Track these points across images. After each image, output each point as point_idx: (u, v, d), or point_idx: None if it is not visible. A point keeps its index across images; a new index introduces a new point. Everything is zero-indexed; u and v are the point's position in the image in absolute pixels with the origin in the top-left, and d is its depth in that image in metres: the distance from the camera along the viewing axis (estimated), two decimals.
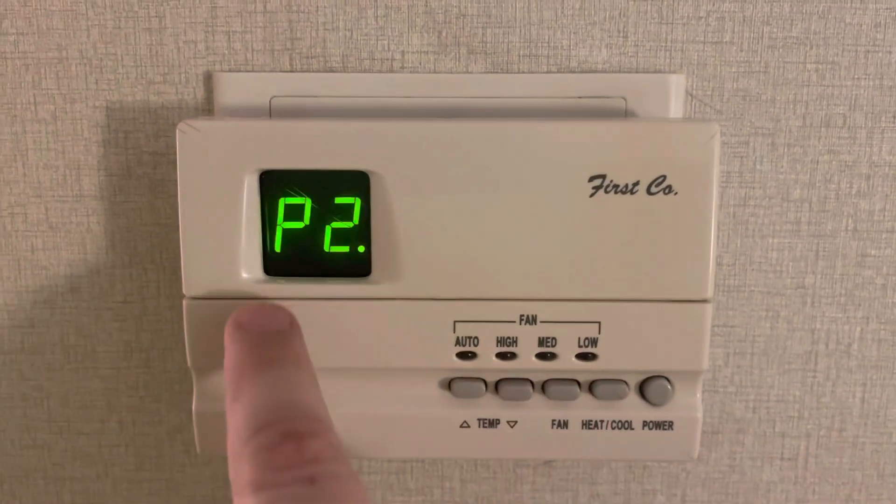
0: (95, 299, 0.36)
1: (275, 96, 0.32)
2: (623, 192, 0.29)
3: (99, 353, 0.36)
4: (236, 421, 0.24)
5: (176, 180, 0.29)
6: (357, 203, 0.30)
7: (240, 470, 0.23)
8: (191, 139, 0.29)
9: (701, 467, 0.37)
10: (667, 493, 0.38)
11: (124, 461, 0.38)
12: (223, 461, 0.38)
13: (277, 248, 0.30)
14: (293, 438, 0.23)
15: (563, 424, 0.31)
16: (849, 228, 0.34)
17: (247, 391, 0.25)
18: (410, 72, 0.33)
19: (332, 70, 0.33)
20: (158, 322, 0.36)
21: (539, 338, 0.30)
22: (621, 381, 0.31)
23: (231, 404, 0.25)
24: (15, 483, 0.38)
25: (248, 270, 0.30)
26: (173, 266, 0.35)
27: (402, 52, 0.33)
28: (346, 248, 0.30)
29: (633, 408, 0.31)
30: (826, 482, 0.37)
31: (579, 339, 0.30)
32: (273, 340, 0.27)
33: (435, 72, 0.33)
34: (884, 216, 0.34)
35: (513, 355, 0.30)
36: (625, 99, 0.32)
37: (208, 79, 0.33)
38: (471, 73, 0.33)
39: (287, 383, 0.25)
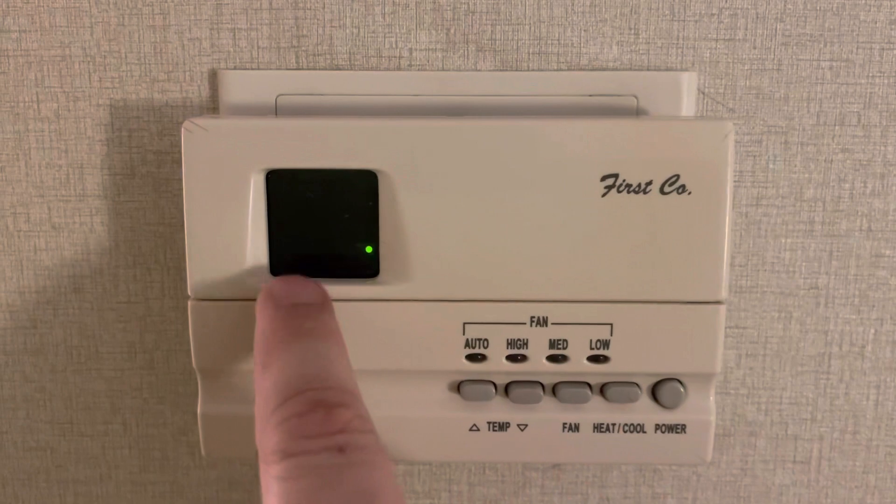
0: (99, 300, 0.35)
1: (281, 94, 0.32)
2: (636, 192, 0.28)
3: (102, 355, 0.36)
4: (265, 389, 0.24)
5: (181, 179, 0.29)
6: (365, 203, 0.29)
7: (267, 438, 0.23)
8: (196, 138, 0.28)
9: (712, 470, 0.37)
10: (677, 497, 0.37)
11: (128, 463, 0.37)
12: (228, 463, 0.37)
13: (284, 249, 0.30)
14: (322, 407, 0.23)
15: (575, 428, 0.31)
16: (863, 228, 0.34)
17: (277, 361, 0.25)
18: (418, 69, 0.32)
19: (338, 68, 0.33)
20: (163, 323, 0.35)
21: (550, 340, 0.30)
22: (633, 383, 0.31)
23: (260, 373, 0.25)
24: (18, 485, 0.38)
25: (255, 271, 0.30)
26: (178, 266, 0.35)
27: (410, 50, 0.32)
28: (353, 249, 0.30)
29: (645, 411, 0.31)
30: (839, 485, 0.37)
31: (591, 341, 0.30)
32: (304, 312, 0.27)
33: (443, 69, 0.32)
34: None
35: (523, 357, 0.30)
36: (636, 97, 0.32)
37: (213, 77, 0.33)
38: (480, 70, 0.32)
39: (317, 355, 0.25)
